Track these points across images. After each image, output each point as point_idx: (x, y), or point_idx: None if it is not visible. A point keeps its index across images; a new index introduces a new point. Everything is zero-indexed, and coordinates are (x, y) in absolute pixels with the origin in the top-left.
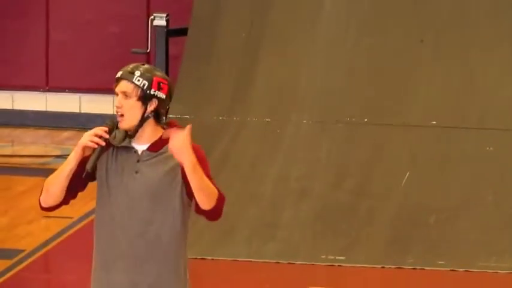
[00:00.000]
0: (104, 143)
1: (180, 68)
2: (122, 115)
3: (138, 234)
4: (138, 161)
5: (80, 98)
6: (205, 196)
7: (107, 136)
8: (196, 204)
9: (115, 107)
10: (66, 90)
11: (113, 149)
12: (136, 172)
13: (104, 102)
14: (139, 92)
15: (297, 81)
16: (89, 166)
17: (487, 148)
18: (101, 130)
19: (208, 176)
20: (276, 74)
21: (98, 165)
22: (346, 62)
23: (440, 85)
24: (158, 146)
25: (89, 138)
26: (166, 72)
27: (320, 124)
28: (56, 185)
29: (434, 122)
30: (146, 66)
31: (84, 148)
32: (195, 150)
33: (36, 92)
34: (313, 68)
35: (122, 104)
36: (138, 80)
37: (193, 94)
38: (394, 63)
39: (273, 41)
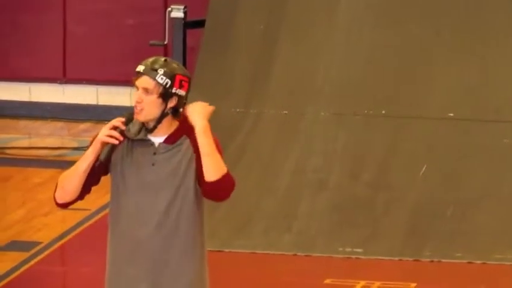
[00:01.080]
0: (122, 138)
1: (198, 60)
2: (140, 109)
3: (156, 226)
4: (154, 154)
5: (97, 90)
6: (211, 164)
7: (123, 127)
8: (202, 183)
9: (134, 101)
10: (84, 82)
11: (128, 142)
12: (153, 164)
13: (121, 94)
14: (160, 90)
15: (314, 73)
16: (102, 156)
17: (504, 140)
18: (117, 121)
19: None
20: (293, 66)
21: (112, 158)
22: (364, 54)
23: (457, 77)
24: (174, 138)
25: (107, 133)
26: (184, 64)
27: (337, 116)
28: (73, 181)
29: (451, 114)
30: (168, 61)
31: (103, 143)
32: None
33: (54, 84)
34: (331, 60)
35: (142, 99)
36: (162, 78)
37: (211, 86)
38: (411, 55)
39: (290, 33)
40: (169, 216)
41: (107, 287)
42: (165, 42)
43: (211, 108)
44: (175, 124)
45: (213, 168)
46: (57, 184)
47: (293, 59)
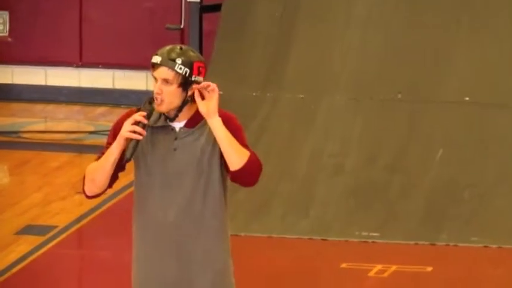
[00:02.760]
0: (145, 133)
1: (214, 44)
2: (161, 100)
3: (181, 211)
4: (176, 139)
5: (113, 73)
6: (232, 155)
7: (146, 121)
8: (229, 171)
9: (154, 93)
10: (100, 66)
11: (149, 129)
12: (175, 149)
13: (138, 78)
14: (180, 79)
15: (331, 58)
16: (128, 154)
17: None
18: (139, 116)
19: (245, 145)
20: (310, 50)
21: None
22: (381, 39)
23: (474, 62)
24: (195, 121)
25: (130, 128)
26: (200, 49)
27: (354, 101)
28: (101, 174)
29: (467, 99)
30: (183, 49)
31: (127, 139)
32: (231, 119)
33: (70, 68)
34: (347, 45)
35: (162, 90)
36: (180, 68)
37: (227, 71)
38: (428, 40)
39: (307, 17)
40: (194, 201)
41: (134, 272)
42: (181, 26)
43: (217, 97)
44: (194, 107)
45: (235, 158)
46: (84, 178)
47: (310, 43)
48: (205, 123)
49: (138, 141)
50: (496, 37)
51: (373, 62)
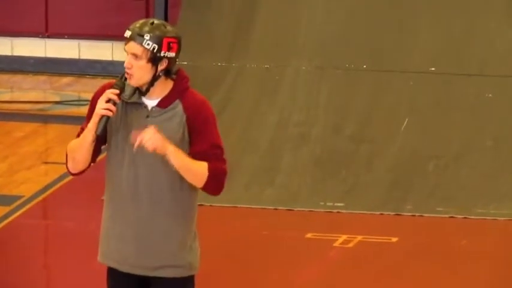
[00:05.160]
0: (115, 109)
1: (179, 14)
2: (130, 74)
3: (142, 190)
4: (147, 117)
5: (79, 44)
6: (192, 178)
7: (118, 100)
8: None
9: (125, 67)
10: (66, 37)
11: (123, 105)
12: (146, 127)
13: (103, 48)
14: (149, 55)
15: (296, 27)
16: (98, 131)
17: (487, 95)
18: (112, 93)
19: (215, 138)
20: (275, 20)
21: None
22: (346, 8)
23: (440, 32)
24: (168, 101)
25: (105, 106)
26: (166, 18)
27: (319, 70)
28: (81, 152)
29: (433, 69)
30: (155, 24)
31: (102, 116)
32: (203, 107)
33: (36, 38)
34: (313, 14)
35: (132, 65)
36: (148, 44)
37: (193, 41)
38: (394, 9)
39: None
40: (157, 180)
41: (100, 245)
42: None
43: (156, 133)
44: (169, 85)
45: (195, 181)
46: (66, 155)
47: (275, 12)
48: (178, 104)
49: (108, 117)
50: (461, 7)
51: (337, 31)
